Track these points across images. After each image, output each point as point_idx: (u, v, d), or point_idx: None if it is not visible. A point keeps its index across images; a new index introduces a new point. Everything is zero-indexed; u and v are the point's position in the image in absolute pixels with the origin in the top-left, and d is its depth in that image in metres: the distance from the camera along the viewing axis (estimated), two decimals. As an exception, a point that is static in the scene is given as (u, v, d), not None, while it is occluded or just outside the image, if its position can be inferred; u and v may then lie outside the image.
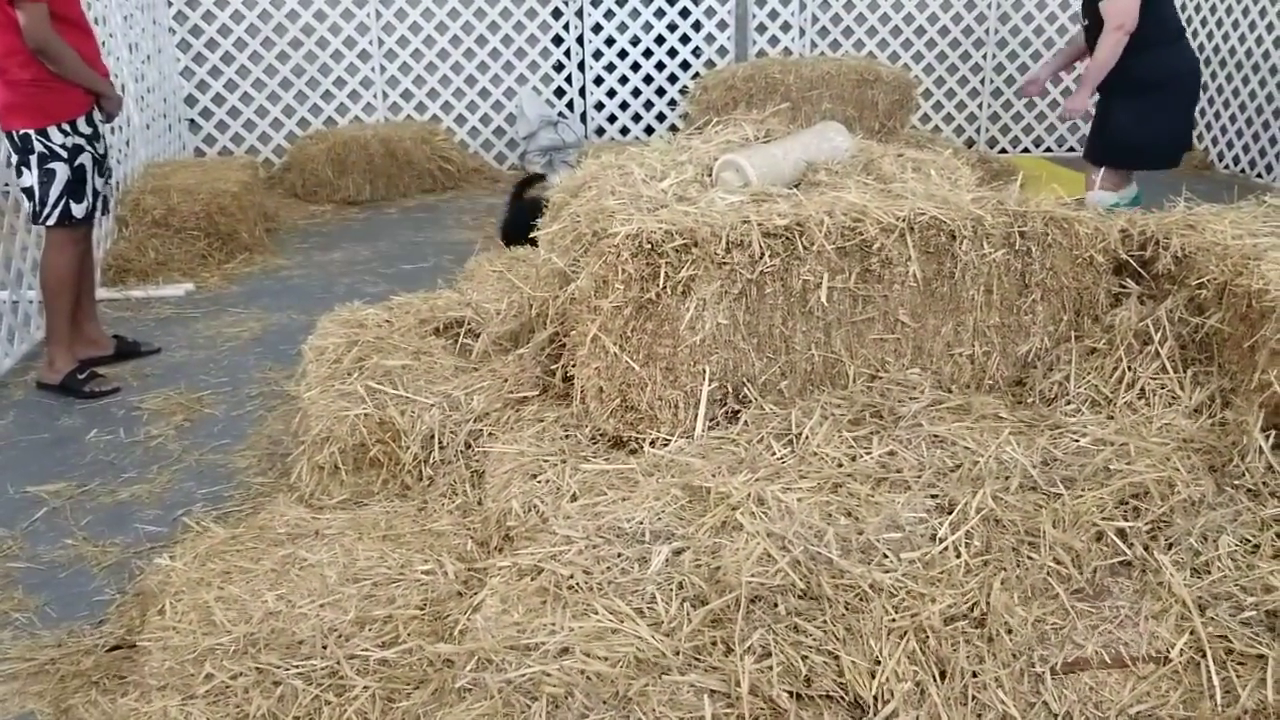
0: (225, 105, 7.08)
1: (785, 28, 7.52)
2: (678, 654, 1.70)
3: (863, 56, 6.90)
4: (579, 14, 7.33)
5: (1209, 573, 1.84)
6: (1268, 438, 2.07)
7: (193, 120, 7.07)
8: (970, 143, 7.74)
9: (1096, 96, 4.23)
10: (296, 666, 1.89)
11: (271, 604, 2.05)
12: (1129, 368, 2.32)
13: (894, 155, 2.93)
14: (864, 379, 2.40)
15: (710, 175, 2.74)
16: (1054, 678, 1.72)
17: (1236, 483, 2.04)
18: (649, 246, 2.23)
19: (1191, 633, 1.75)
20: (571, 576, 1.87)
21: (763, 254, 2.27)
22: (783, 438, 2.26)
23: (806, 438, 2.23)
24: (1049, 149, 7.90)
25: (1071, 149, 7.79)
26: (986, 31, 7.65)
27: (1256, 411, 2.09)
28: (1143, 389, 2.29)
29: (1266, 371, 2.08)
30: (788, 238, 2.31)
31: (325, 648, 1.92)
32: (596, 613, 1.77)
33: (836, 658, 1.69)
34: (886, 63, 6.99)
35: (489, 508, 2.29)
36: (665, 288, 2.23)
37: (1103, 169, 4.23)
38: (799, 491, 2.03)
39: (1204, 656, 1.71)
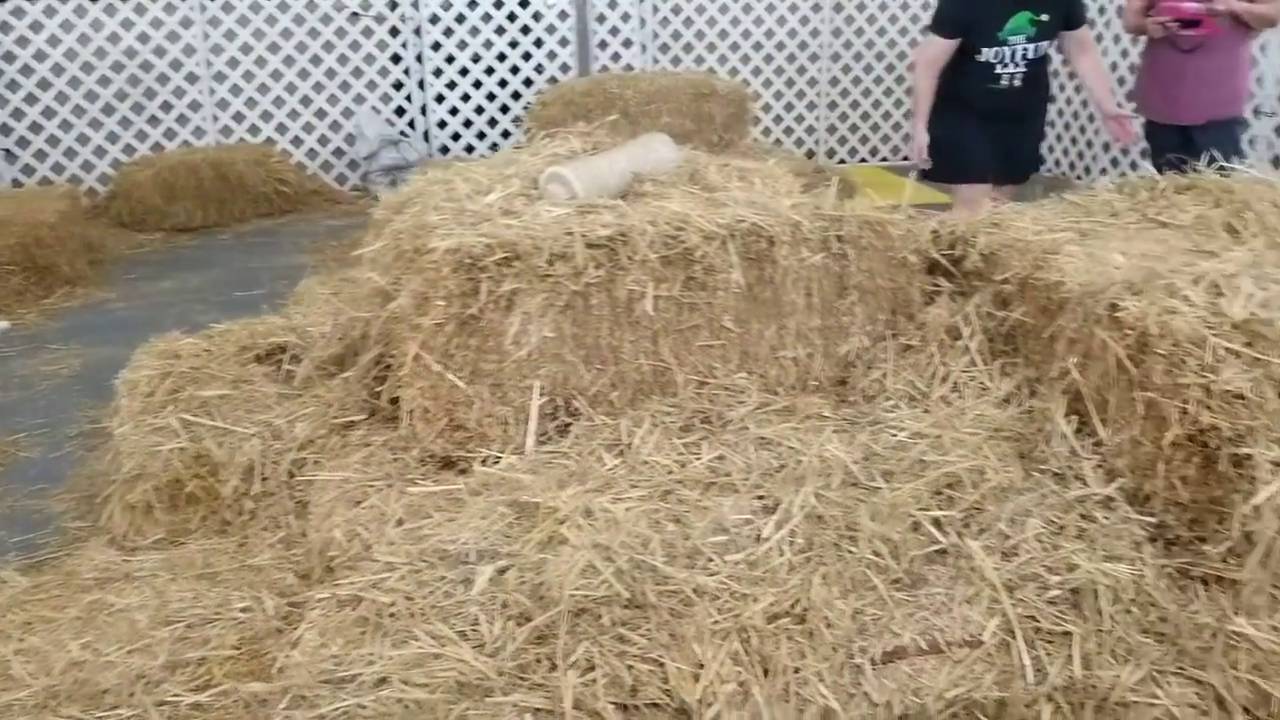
0: (44, 133, 6.73)
1: (627, 44, 7.59)
2: (501, 674, 1.67)
3: (702, 71, 7.01)
4: (417, 31, 7.25)
5: (1018, 555, 1.91)
6: (1070, 423, 2.17)
7: (8, 150, 6.70)
8: (810, 154, 7.94)
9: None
10: (100, 717, 1.78)
11: (75, 653, 1.93)
12: (942, 363, 2.40)
13: (719, 165, 2.97)
14: (693, 385, 2.42)
15: (537, 189, 2.72)
16: (874, 668, 1.75)
17: (1043, 467, 2.13)
18: (469, 261, 2.20)
19: (1002, 615, 1.81)
20: (393, 604, 1.82)
21: (587, 265, 2.27)
22: (614, 448, 2.25)
23: (637, 447, 2.23)
24: (884, 159, 8.16)
25: (906, 158, 8.07)
26: (821, 46, 7.88)
27: (1058, 399, 2.19)
28: (955, 382, 2.37)
29: (1065, 360, 2.18)
30: (611, 248, 2.31)
31: (132, 695, 1.82)
32: (417, 639, 1.73)
33: (661, 665, 1.68)
34: (725, 77, 7.12)
35: (312, 538, 2.21)
36: (487, 303, 2.21)
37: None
38: (629, 501, 2.03)
39: (1014, 637, 1.77)
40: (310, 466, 2.48)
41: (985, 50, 4.04)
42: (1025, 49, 4.05)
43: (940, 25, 4.18)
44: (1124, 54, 6.57)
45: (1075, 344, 2.17)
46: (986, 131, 4.18)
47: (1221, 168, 2.89)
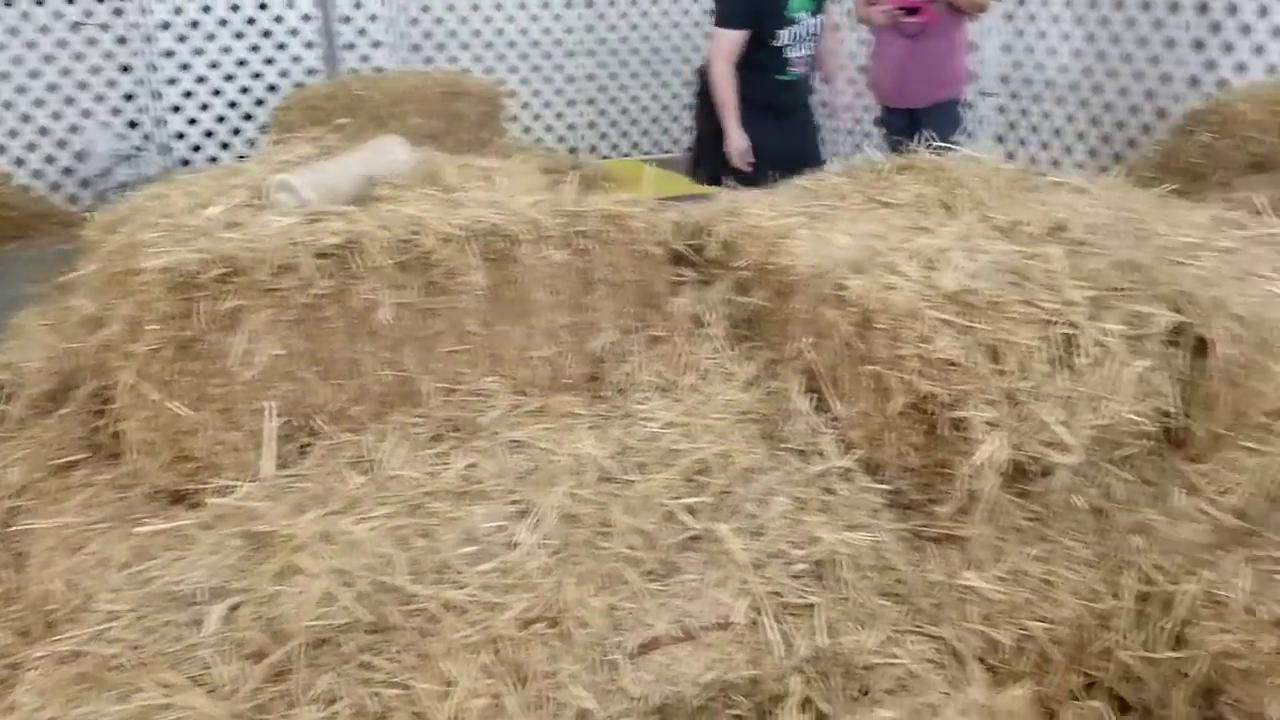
0: None
1: (376, 44, 7.39)
2: (237, 718, 1.56)
3: (455, 70, 6.91)
4: (147, 39, 6.81)
5: (764, 534, 1.95)
6: (809, 400, 2.24)
7: None
8: (573, 150, 7.97)
9: None
10: None
11: None
12: (689, 351, 2.44)
13: (459, 165, 2.91)
14: (441, 393, 2.35)
15: (263, 199, 2.58)
16: (629, 662, 1.75)
17: (786, 446, 2.19)
18: (184, 279, 2.06)
19: (751, 594, 1.84)
20: (117, 655, 1.68)
21: (316, 277, 2.16)
22: (359, 465, 2.16)
23: (384, 462, 2.15)
24: (647, 152, 8.29)
25: (667, 150, 8.24)
26: (578, 42, 7.91)
27: (796, 378, 2.25)
28: (703, 370, 2.40)
29: (799, 340, 2.25)
30: (342, 257, 2.22)
31: None
32: (144, 690, 1.60)
33: (409, 688, 1.62)
34: (480, 75, 7.04)
35: (29, 592, 2.02)
36: (207, 323, 2.07)
37: None
38: (374, 520, 1.95)
39: (760, 614, 1.80)
40: (26, 514, 2.26)
41: (780, 33, 4.09)
42: (810, 23, 4.15)
43: (732, 19, 4.16)
44: (861, 42, 6.92)
45: (808, 324, 2.24)
46: (779, 128, 4.24)
47: (940, 147, 3.06)
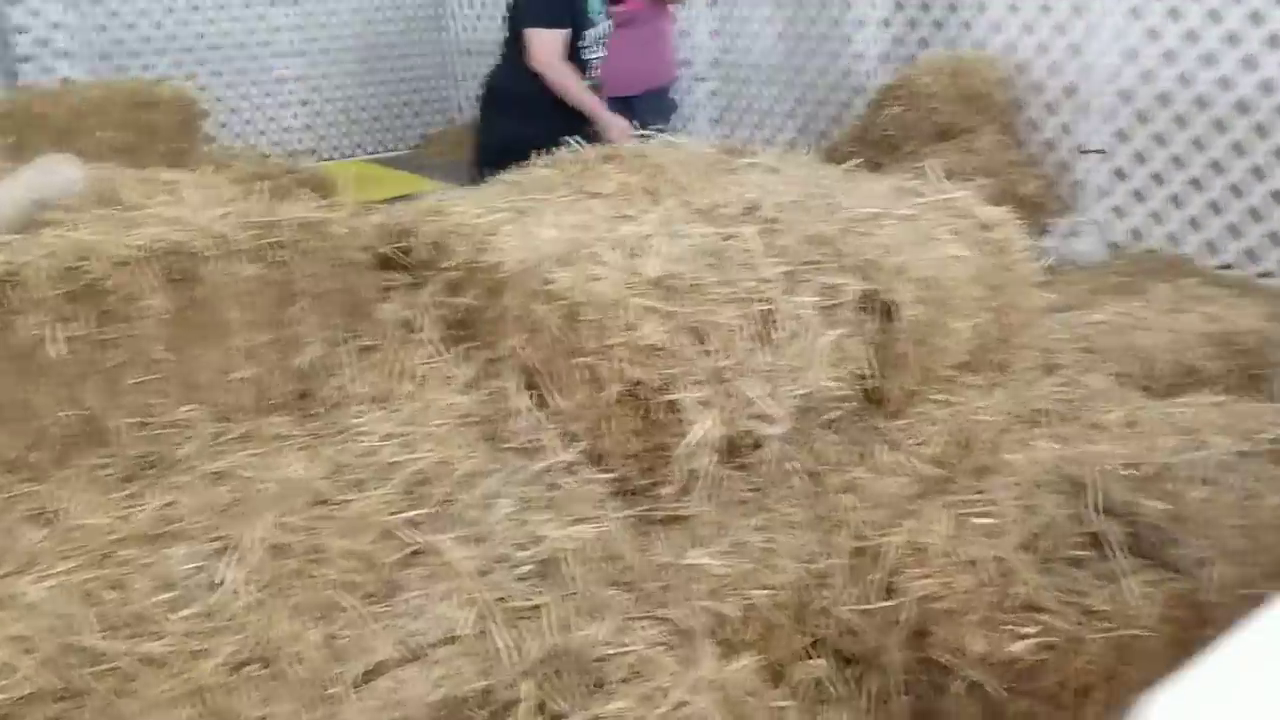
0: None
1: (65, 54, 6.78)
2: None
3: (150, 79, 6.44)
4: None
5: (489, 539, 1.91)
6: (529, 397, 2.21)
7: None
8: (290, 154, 7.62)
9: None
10: None
11: None
12: (404, 359, 2.36)
13: (140, 179, 2.70)
14: (132, 429, 2.17)
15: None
16: (353, 693, 1.67)
17: (509, 446, 2.16)
18: None
19: (477, 603, 1.80)
20: None
21: (-32, 315, 1.94)
22: (39, 518, 1.96)
23: (67, 511, 1.96)
24: (372, 151, 8.05)
25: (392, 149, 8.04)
26: (288, 42, 7.57)
27: (514, 376, 2.22)
28: (419, 376, 2.33)
29: (513, 337, 2.22)
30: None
31: None
32: None
33: (104, 758, 1.48)
34: (180, 81, 6.60)
35: None
36: None
37: None
38: (56, 576, 1.77)
39: (488, 622, 1.76)
40: None
41: (587, 34, 3.98)
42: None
43: (553, 17, 3.96)
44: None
45: (520, 321, 2.21)
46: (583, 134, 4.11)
47: (645, 135, 3.11)
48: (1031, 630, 1.71)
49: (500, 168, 3.58)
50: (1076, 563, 1.85)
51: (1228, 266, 4.59)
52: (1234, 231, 4.59)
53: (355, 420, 2.26)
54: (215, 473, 2.06)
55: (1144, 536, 1.87)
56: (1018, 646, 1.71)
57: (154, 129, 4.88)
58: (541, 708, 1.71)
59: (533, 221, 2.43)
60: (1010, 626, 1.74)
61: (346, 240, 2.44)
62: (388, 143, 8.10)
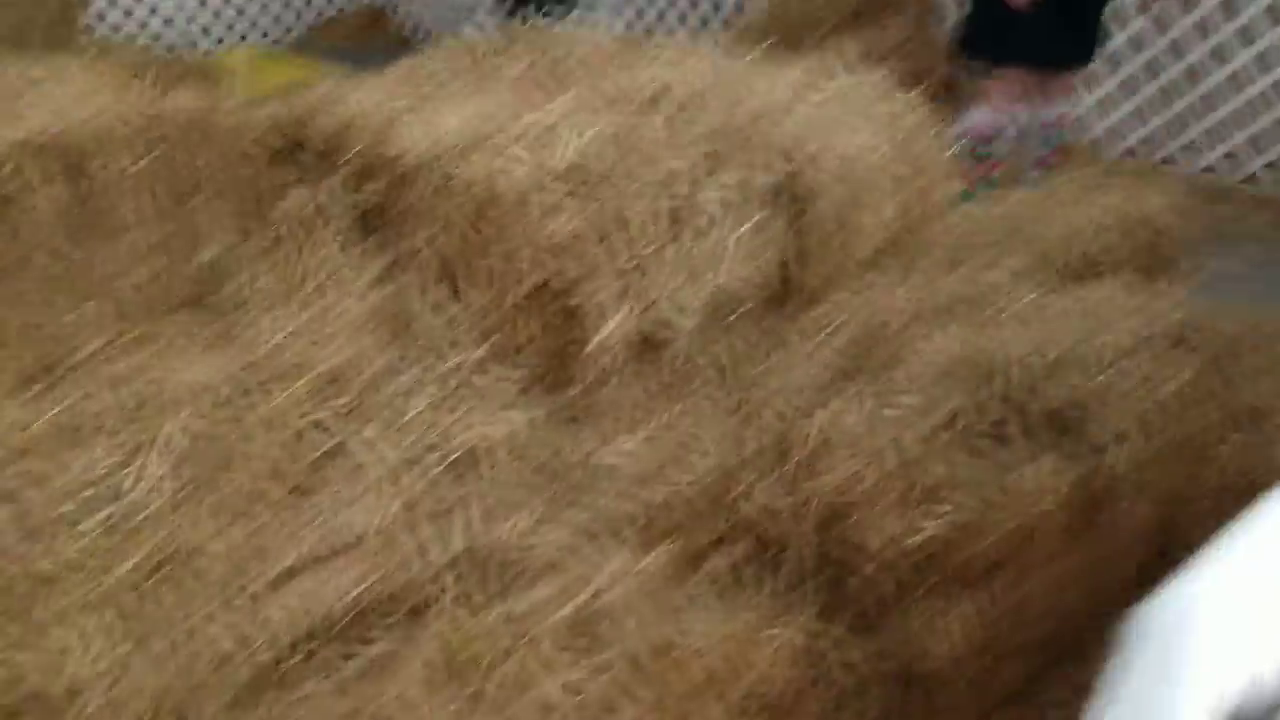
0: None
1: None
2: None
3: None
4: None
5: (402, 439, 1.89)
6: (440, 293, 2.17)
7: None
8: (170, 48, 7.22)
9: None
10: None
11: None
12: (306, 256, 2.29)
13: (17, 74, 2.53)
14: (22, 334, 2.08)
15: None
16: (274, 592, 1.66)
17: (420, 343, 2.12)
18: None
19: (395, 500, 1.79)
20: None
21: None
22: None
23: (-45, 423, 1.88)
24: (266, 34, 7.64)
25: (289, 29, 7.66)
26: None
27: (422, 272, 2.18)
28: (323, 275, 2.27)
29: (419, 233, 2.17)
30: None
31: None
32: None
33: (15, 665, 1.45)
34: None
35: None
36: None
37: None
38: (-51, 492, 1.71)
39: (404, 522, 1.76)
40: None
41: None
42: None
43: None
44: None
45: (426, 215, 2.16)
46: None
47: (549, 20, 3.01)
48: (939, 511, 1.77)
49: None
50: (982, 451, 1.91)
51: (1131, 153, 4.74)
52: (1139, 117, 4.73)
53: (257, 320, 2.19)
54: (117, 375, 1.99)
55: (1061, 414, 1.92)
56: (925, 528, 1.77)
57: (27, 21, 4.57)
58: (460, 600, 1.73)
59: (433, 111, 2.35)
60: (919, 509, 1.79)
61: (237, 133, 2.34)
62: (286, 23, 7.69)
